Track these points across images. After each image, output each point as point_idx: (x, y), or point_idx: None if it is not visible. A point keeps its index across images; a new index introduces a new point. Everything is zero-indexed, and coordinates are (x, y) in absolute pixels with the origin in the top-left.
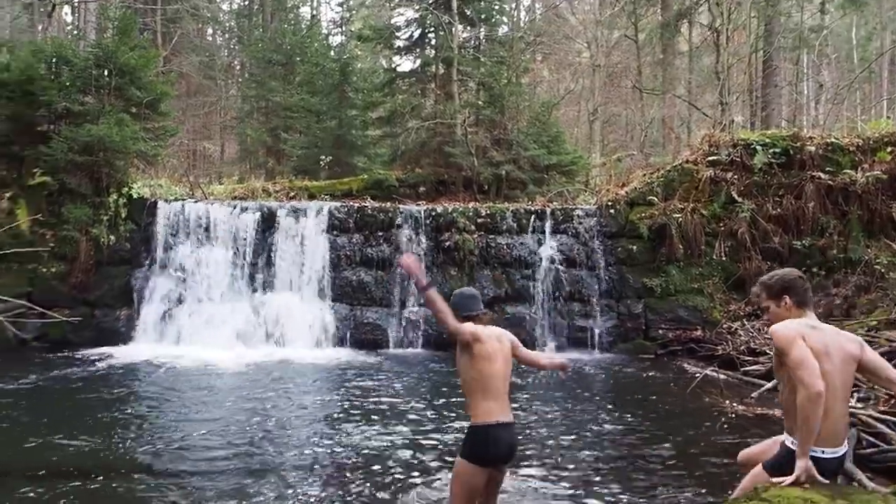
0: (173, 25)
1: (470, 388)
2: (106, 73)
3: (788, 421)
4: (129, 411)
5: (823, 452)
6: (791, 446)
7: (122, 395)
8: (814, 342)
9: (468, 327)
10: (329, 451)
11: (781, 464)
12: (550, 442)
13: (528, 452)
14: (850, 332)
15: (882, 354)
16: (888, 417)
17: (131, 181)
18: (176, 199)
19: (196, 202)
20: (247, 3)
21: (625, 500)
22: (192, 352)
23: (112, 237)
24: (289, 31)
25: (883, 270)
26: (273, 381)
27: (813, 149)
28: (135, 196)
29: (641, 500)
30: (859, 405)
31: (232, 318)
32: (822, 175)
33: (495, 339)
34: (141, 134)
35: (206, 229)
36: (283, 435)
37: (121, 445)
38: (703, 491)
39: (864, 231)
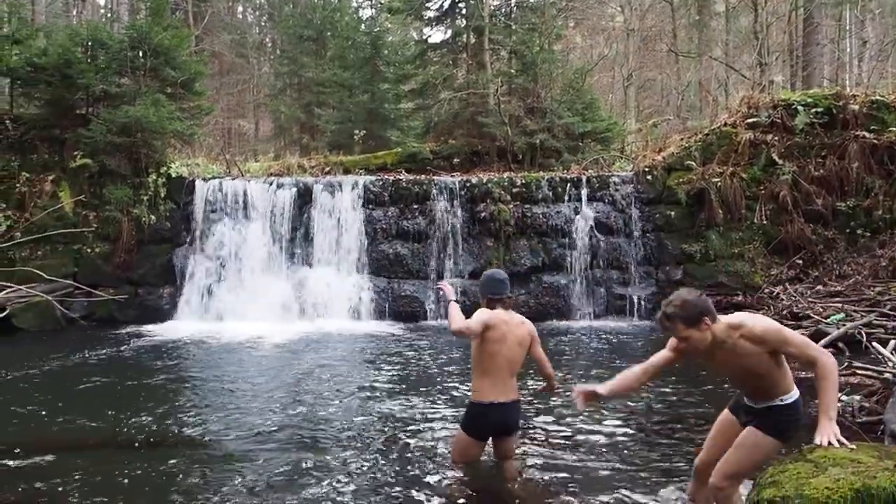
0: (204, 4)
1: (475, 366)
2: (140, 54)
3: (757, 395)
4: (175, 386)
5: None
6: (774, 402)
7: (167, 371)
8: None
9: (475, 324)
10: (373, 423)
11: (778, 419)
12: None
13: (563, 421)
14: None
15: None
16: None
17: (169, 161)
18: (213, 178)
19: (233, 180)
20: None
21: (662, 465)
22: (233, 327)
23: (153, 216)
24: (319, 5)
25: None
26: (314, 355)
27: (856, 107)
28: (173, 175)
29: (681, 465)
30: None
31: (271, 293)
32: (867, 134)
33: (504, 324)
34: (177, 114)
35: (244, 206)
36: (326, 408)
37: (168, 419)
38: None
39: None
